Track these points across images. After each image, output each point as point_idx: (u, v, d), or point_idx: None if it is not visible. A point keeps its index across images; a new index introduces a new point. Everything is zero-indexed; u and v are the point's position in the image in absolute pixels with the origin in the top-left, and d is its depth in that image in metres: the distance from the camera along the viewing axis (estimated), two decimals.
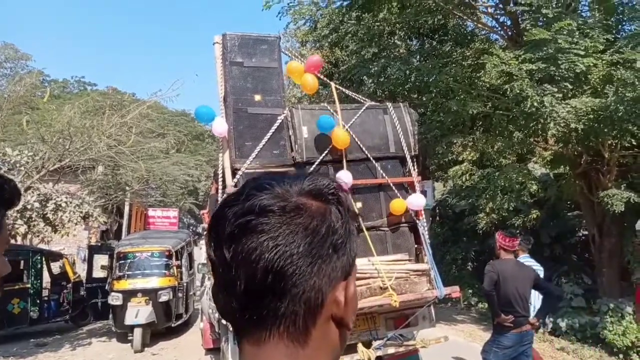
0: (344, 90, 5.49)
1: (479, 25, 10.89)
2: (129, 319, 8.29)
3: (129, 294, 8.56)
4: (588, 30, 7.98)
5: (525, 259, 5.91)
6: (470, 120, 10.79)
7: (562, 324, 9.57)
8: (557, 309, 10.09)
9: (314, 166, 4.63)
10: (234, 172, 4.52)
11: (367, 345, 4.52)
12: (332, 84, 5.20)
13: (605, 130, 7.57)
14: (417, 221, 4.93)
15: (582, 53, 7.28)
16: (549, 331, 9.71)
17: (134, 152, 8.91)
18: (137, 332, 8.32)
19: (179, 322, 9.42)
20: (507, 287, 4.43)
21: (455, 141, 9.74)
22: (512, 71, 7.23)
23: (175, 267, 9.24)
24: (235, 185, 4.45)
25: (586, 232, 11.65)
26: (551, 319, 9.80)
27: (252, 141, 4.60)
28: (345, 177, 4.45)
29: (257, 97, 4.72)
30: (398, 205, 4.71)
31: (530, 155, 12.14)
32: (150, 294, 8.61)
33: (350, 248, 0.61)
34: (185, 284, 9.64)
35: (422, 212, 4.98)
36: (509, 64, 7.25)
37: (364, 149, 4.84)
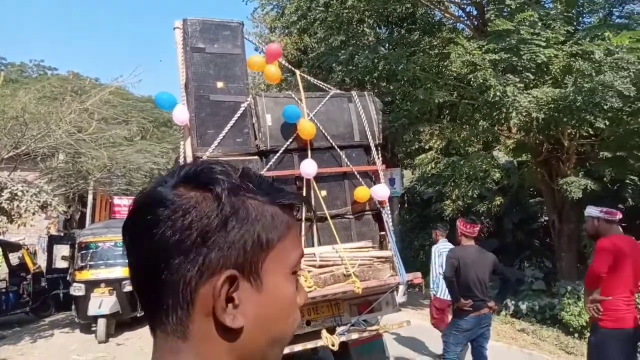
0: (309, 78, 5.46)
1: (447, 15, 11.00)
2: (92, 310, 8.13)
3: (91, 285, 8.37)
4: (550, 22, 8.18)
5: (444, 244, 6.57)
6: (437, 109, 10.95)
7: (523, 307, 9.93)
8: (517, 292, 10.48)
9: (277, 154, 4.61)
10: (195, 160, 4.44)
11: (331, 331, 4.57)
12: (297, 72, 5.16)
13: (565, 119, 7.81)
14: (382, 209, 4.98)
15: (544, 44, 7.47)
16: (510, 313, 10.06)
17: (95, 139, 8.62)
18: (101, 322, 8.16)
19: None
20: (467, 272, 4.54)
21: (422, 129, 9.88)
22: (475, 61, 7.35)
23: None
24: None
25: (547, 218, 12.09)
26: (513, 302, 10.15)
27: (214, 129, 4.52)
28: (309, 166, 4.44)
29: (220, 84, 4.63)
30: (362, 192, 4.74)
31: (495, 143, 12.45)
32: (114, 284, 8.44)
33: (238, 237, 0.57)
34: None
35: (386, 200, 5.03)
36: (472, 54, 7.36)
37: (328, 137, 4.82)
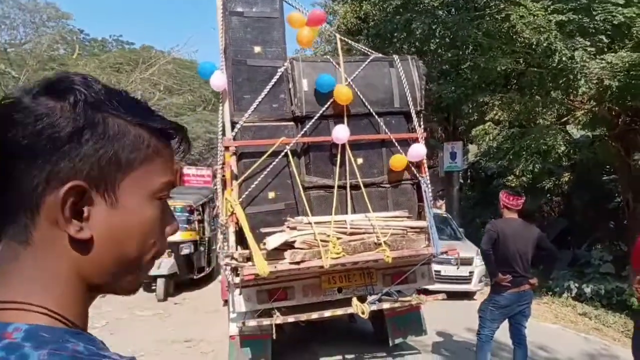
0: (348, 41, 5.31)
1: None
2: (153, 270, 8.58)
3: None
4: None
5: None
6: (504, 78, 10.27)
7: (587, 290, 9.33)
8: (583, 274, 9.84)
9: (313, 120, 4.56)
10: (233, 125, 4.51)
11: (363, 299, 4.55)
12: (337, 35, 5.03)
13: None
14: (420, 178, 4.80)
15: (622, 2, 6.69)
16: (572, 296, 9.47)
17: (157, 109, 9.00)
18: (160, 282, 8.72)
19: (201, 274, 9.76)
20: (507, 246, 4.30)
21: (482, 100, 9.32)
22: (540, 23, 6.74)
23: (196, 222, 9.52)
24: (234, 138, 4.46)
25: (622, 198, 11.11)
26: (576, 285, 9.54)
27: (251, 94, 4.54)
28: (341, 131, 4.35)
29: (257, 49, 4.62)
30: (398, 160, 4.59)
31: (569, 115, 11.53)
32: (173, 246, 8.90)
33: (93, 150, 0.57)
34: (207, 239, 9.93)
35: (425, 168, 4.84)
36: (536, 15, 6.75)
37: (366, 103, 4.69)
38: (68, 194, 0.55)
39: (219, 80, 4.47)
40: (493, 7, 10.19)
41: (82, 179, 0.56)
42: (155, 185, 0.62)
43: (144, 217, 0.62)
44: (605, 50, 7.29)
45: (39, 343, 0.51)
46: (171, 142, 0.65)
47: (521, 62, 9.11)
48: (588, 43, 6.86)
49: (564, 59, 6.69)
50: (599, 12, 6.68)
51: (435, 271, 5.54)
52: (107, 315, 7.83)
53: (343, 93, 4.51)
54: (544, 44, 6.76)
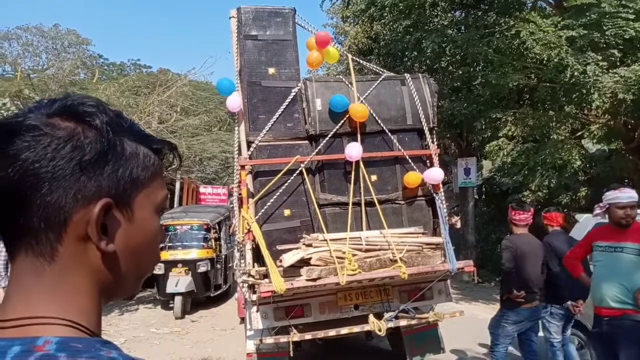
0: (360, 61, 5.41)
1: None
2: (170, 288, 8.75)
3: (170, 264, 9.00)
4: None
5: None
6: (517, 94, 10.29)
7: None
8: None
9: (327, 139, 4.64)
10: (248, 144, 4.61)
11: (380, 316, 4.54)
12: (349, 55, 5.14)
13: None
14: (435, 195, 4.83)
15: (632, 17, 6.71)
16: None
17: (174, 129, 9.21)
18: (178, 300, 8.78)
19: (218, 292, 9.82)
20: (525, 262, 4.28)
21: (494, 116, 9.33)
22: (550, 39, 6.79)
23: (213, 240, 9.61)
24: (250, 157, 4.56)
25: None
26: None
27: (265, 114, 4.66)
28: (354, 149, 4.42)
29: (271, 70, 4.75)
30: (412, 178, 4.64)
31: (583, 130, 11.45)
32: (190, 264, 9.00)
33: (114, 170, 0.61)
34: (224, 256, 10.00)
35: (440, 185, 4.87)
36: (546, 32, 6.80)
37: (379, 121, 4.76)
38: (101, 211, 0.59)
39: (234, 102, 4.60)
40: (503, 24, 10.28)
41: (105, 197, 0.60)
42: (159, 200, 0.68)
43: (154, 229, 0.67)
44: (618, 64, 7.29)
45: (73, 353, 0.53)
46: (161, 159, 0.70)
47: (533, 77, 9.14)
48: (600, 57, 6.88)
49: (576, 73, 6.71)
50: (610, 27, 6.70)
51: None
52: (125, 333, 7.89)
53: (359, 110, 4.60)
54: (555, 60, 6.79)
